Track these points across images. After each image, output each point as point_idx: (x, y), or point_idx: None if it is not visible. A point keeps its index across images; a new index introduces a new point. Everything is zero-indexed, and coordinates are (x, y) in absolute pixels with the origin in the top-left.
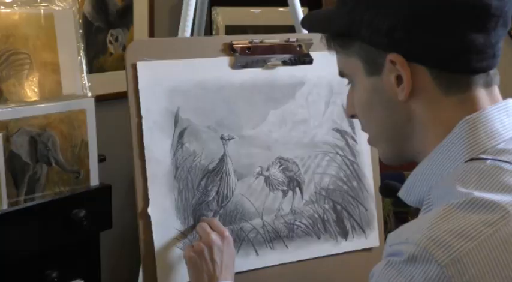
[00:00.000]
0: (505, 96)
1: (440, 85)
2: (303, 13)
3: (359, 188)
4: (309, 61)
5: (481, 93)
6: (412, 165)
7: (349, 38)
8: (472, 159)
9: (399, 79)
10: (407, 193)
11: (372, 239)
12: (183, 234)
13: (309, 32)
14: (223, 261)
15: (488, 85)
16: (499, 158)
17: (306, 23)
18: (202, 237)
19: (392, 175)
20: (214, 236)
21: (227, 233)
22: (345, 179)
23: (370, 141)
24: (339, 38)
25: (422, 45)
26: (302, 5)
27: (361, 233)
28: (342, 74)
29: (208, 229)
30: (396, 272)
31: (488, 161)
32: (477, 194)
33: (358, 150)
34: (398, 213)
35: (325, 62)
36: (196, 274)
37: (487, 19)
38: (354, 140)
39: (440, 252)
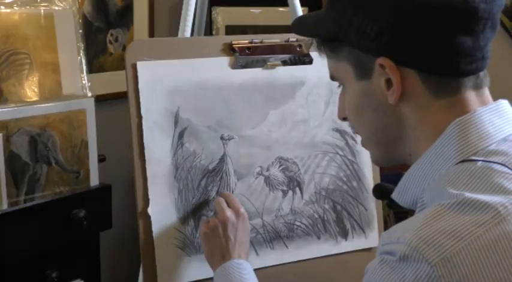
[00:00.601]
0: (504, 96)
1: (430, 88)
2: (303, 13)
3: (359, 188)
4: (309, 61)
5: (471, 96)
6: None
7: (339, 43)
8: (463, 161)
9: (389, 83)
10: (400, 195)
11: (371, 239)
12: (183, 234)
13: (301, 36)
14: (237, 238)
15: (478, 87)
16: (490, 159)
17: (296, 27)
18: (218, 213)
19: (392, 175)
20: (229, 213)
21: (242, 209)
22: (345, 179)
23: (362, 144)
24: (329, 42)
25: (410, 49)
26: (302, 5)
27: (361, 233)
28: (332, 78)
29: (224, 205)
30: (390, 269)
31: (479, 162)
32: (468, 194)
33: (358, 150)
34: (398, 213)
35: (325, 62)
36: (210, 250)
37: (475, 22)
38: (353, 139)
39: (431, 251)
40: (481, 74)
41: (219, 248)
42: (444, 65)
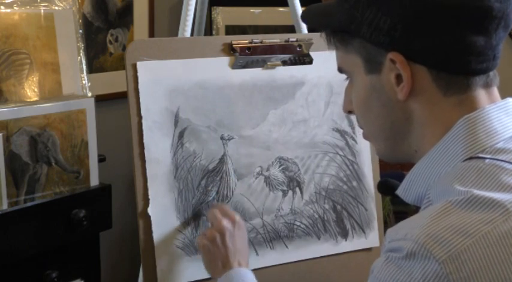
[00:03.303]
0: (504, 96)
1: (440, 85)
2: None
3: (359, 188)
4: (309, 61)
5: (481, 94)
6: (413, 164)
7: (350, 35)
8: (470, 158)
9: (399, 78)
10: (405, 191)
11: (371, 239)
12: (183, 234)
13: (308, 26)
14: (236, 246)
15: (487, 86)
16: (497, 157)
17: (306, 17)
18: (214, 224)
19: (393, 175)
20: (225, 222)
21: (238, 217)
22: (345, 179)
23: (366, 137)
24: (339, 34)
25: (422, 46)
26: (302, 5)
27: (361, 233)
28: (340, 70)
29: (219, 215)
30: (396, 267)
31: (487, 160)
32: (477, 192)
33: (358, 150)
34: (398, 213)
35: (325, 62)
36: (210, 261)
37: (489, 21)
38: (354, 140)
39: (438, 248)
40: (491, 73)
41: (219, 258)
42: (455, 63)
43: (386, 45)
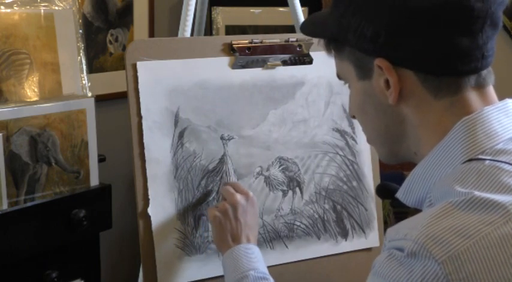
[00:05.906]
0: (504, 96)
1: (429, 88)
2: (303, 13)
3: (359, 188)
4: (309, 61)
5: (473, 95)
6: (412, 165)
7: (340, 43)
8: (470, 160)
9: (388, 83)
10: (405, 194)
11: (371, 239)
12: (183, 234)
13: (307, 36)
14: (247, 221)
15: (480, 86)
16: (497, 158)
17: (305, 26)
18: (227, 197)
19: (393, 175)
20: (239, 196)
21: (251, 194)
22: (345, 179)
23: (368, 141)
24: (333, 42)
25: (406, 50)
26: (302, 5)
27: (361, 233)
28: (339, 77)
29: (233, 190)
30: (398, 263)
31: (487, 162)
32: (477, 193)
33: (358, 150)
34: (398, 213)
35: (325, 62)
36: (219, 233)
37: (472, 22)
38: (354, 140)
39: (438, 249)
40: (484, 72)
41: (229, 231)
42: (441, 65)
43: (372, 52)
